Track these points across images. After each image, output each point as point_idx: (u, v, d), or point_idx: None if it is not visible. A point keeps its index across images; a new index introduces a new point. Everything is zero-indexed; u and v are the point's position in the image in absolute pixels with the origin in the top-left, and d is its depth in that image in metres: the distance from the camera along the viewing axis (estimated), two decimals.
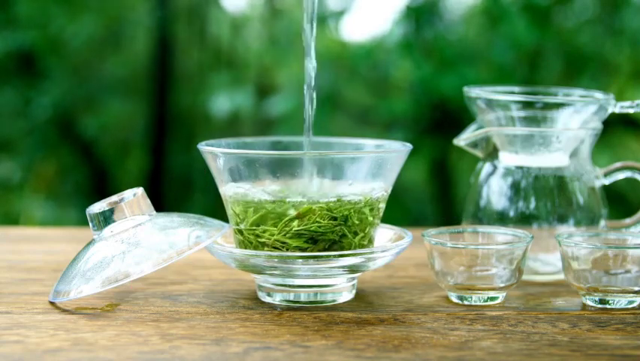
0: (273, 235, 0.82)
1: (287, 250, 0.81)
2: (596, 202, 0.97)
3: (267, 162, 0.82)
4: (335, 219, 0.81)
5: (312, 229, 0.81)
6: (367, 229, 0.84)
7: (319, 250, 0.81)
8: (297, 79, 2.64)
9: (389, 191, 0.87)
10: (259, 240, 0.82)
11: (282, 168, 0.82)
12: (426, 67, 2.58)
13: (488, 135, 0.97)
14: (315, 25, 0.89)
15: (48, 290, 0.88)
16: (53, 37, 2.74)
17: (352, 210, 0.82)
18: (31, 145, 2.74)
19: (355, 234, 0.83)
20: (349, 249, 0.82)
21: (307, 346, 0.72)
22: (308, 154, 0.85)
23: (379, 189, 0.84)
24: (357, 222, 0.83)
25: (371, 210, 0.84)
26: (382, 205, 0.86)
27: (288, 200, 0.82)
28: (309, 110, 0.89)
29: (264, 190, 0.82)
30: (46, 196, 2.73)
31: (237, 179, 0.83)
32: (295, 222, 0.81)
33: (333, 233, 0.81)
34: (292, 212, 0.81)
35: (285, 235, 0.81)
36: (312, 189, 0.83)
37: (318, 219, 0.81)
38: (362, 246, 0.84)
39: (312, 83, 0.89)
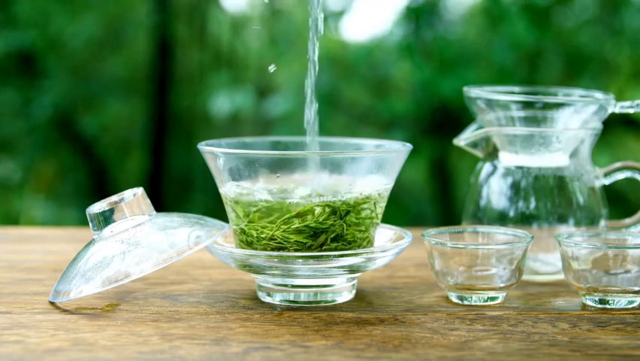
0: (271, 231, 0.82)
1: (288, 243, 0.81)
2: (596, 202, 0.96)
3: (267, 162, 0.82)
4: (335, 213, 0.81)
5: (311, 225, 0.81)
6: (367, 228, 0.84)
7: (319, 245, 0.81)
8: (297, 79, 2.64)
9: (389, 190, 0.87)
10: (260, 235, 0.82)
11: (282, 168, 0.82)
12: (426, 69, 2.57)
13: (488, 135, 0.97)
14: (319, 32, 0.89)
15: (48, 290, 0.88)
16: (53, 37, 2.74)
17: (352, 209, 0.82)
18: (31, 145, 2.74)
19: (354, 232, 0.83)
20: (350, 243, 0.82)
21: (307, 346, 0.72)
22: (308, 154, 0.85)
23: (379, 189, 0.84)
24: (356, 220, 0.83)
25: (371, 209, 0.84)
26: (382, 205, 0.86)
27: (288, 200, 0.82)
28: (312, 110, 0.89)
29: (264, 189, 0.82)
30: (46, 196, 2.73)
31: (237, 178, 0.83)
32: (296, 221, 0.82)
33: (333, 226, 0.81)
34: (293, 210, 0.82)
35: (285, 230, 0.82)
36: (311, 188, 0.83)
37: (318, 218, 0.81)
38: (362, 242, 0.84)
39: (314, 83, 0.89)
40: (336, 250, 0.82)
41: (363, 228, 0.83)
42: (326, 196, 0.82)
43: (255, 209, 0.83)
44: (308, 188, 0.83)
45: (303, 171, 0.83)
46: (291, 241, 0.82)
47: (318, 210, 0.81)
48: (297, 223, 0.81)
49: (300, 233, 0.81)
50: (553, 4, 2.66)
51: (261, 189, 0.83)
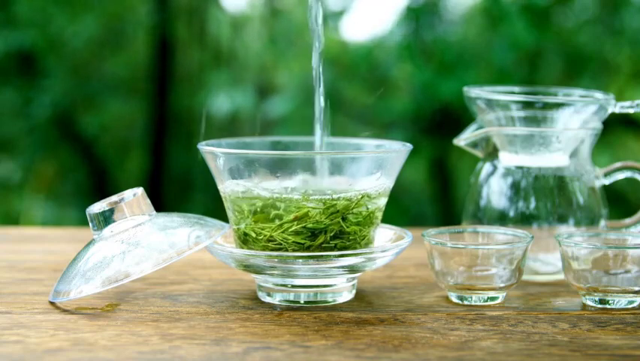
0: (270, 232, 0.82)
1: (286, 244, 0.81)
2: (596, 202, 0.96)
3: (266, 162, 0.82)
4: (334, 213, 0.81)
5: (309, 226, 0.81)
6: (367, 227, 0.84)
7: (318, 245, 0.81)
8: (297, 79, 2.63)
9: (389, 190, 0.87)
10: (258, 237, 0.82)
11: (282, 168, 0.82)
12: (426, 70, 2.56)
13: (488, 135, 0.97)
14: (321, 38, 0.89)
15: (48, 290, 0.87)
16: (53, 37, 2.73)
17: (352, 209, 0.82)
18: (31, 145, 2.72)
19: (354, 231, 0.83)
20: (348, 243, 0.82)
21: (307, 346, 0.72)
22: (307, 154, 0.85)
23: (379, 189, 0.84)
24: (355, 220, 0.83)
25: (371, 209, 0.84)
26: (383, 204, 0.86)
27: (287, 198, 0.82)
28: (319, 109, 0.89)
29: (263, 189, 0.82)
30: (46, 196, 2.72)
31: (237, 178, 0.83)
32: (294, 223, 0.81)
33: (331, 225, 0.81)
34: (292, 210, 0.81)
35: (283, 231, 0.81)
36: (311, 188, 0.83)
37: (314, 218, 0.81)
38: (362, 241, 0.84)
39: (321, 82, 0.89)
40: (336, 247, 0.82)
41: (363, 227, 0.83)
42: (326, 196, 0.82)
43: (253, 209, 0.83)
44: (308, 188, 0.83)
45: (303, 171, 0.82)
46: (289, 241, 0.81)
47: (315, 211, 0.81)
48: (295, 226, 0.81)
49: (298, 234, 0.81)
50: (553, 4, 2.65)
51: (260, 189, 0.82)
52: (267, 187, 0.82)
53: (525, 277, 0.93)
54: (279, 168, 0.82)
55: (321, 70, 0.89)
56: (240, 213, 0.84)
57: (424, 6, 2.73)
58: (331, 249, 0.82)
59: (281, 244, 0.82)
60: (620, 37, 2.56)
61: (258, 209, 0.83)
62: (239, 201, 0.84)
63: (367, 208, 0.83)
